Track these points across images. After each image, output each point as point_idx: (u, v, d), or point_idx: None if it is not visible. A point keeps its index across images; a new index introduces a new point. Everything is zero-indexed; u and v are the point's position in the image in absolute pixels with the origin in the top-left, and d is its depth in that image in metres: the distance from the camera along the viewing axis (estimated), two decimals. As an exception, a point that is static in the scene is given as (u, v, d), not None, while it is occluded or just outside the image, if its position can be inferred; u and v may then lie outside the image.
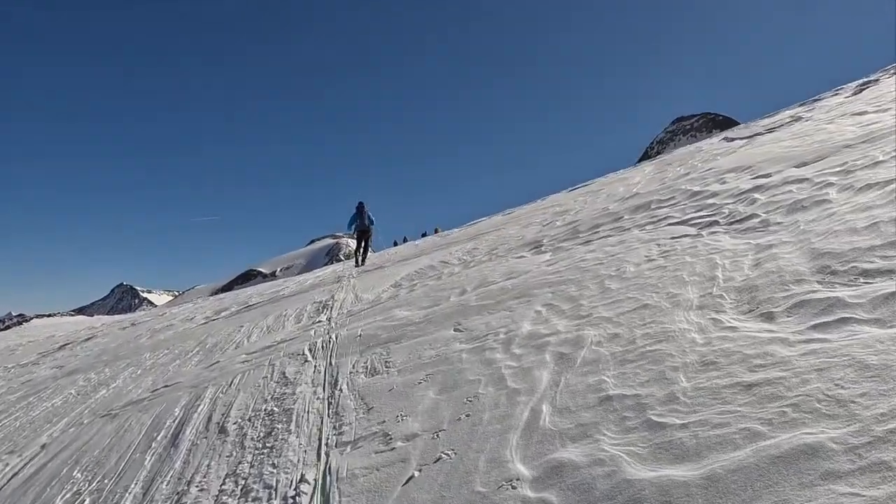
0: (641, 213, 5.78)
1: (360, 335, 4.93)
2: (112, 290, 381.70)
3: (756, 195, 4.64)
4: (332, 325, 5.98)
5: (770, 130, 9.78)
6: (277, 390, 4.21)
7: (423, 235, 22.53)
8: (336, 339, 5.14)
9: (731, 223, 4.16)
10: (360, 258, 13.70)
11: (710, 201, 5.06)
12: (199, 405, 4.58)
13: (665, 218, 5.13)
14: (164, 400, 5.20)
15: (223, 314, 12.29)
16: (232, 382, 4.94)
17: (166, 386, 5.86)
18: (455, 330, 4.06)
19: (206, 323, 11.24)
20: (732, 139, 11.13)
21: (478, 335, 3.72)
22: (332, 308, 7.27)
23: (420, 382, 3.29)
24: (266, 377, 4.72)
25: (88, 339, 17.95)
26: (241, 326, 8.61)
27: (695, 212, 4.95)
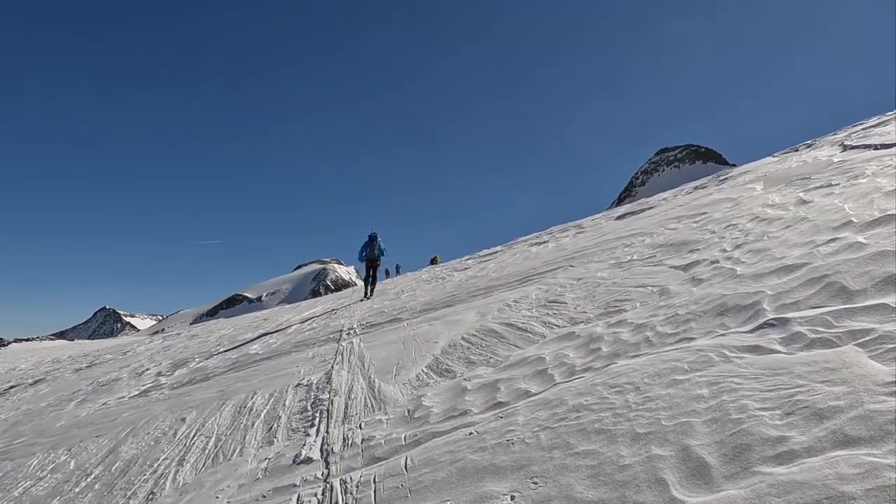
0: None
1: None
2: (94, 314, 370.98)
3: None
4: (336, 486, 2.78)
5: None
6: None
7: (432, 262, 19.48)
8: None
9: None
10: (368, 289, 13.33)
11: None
12: None
13: None
14: None
15: (177, 374, 9.07)
16: None
17: None
18: None
19: (147, 393, 7.94)
20: (869, 146, 8.25)
21: None
22: (329, 412, 4.04)
23: None
24: None
25: (36, 381, 15.10)
26: (183, 420, 5.37)
27: None
